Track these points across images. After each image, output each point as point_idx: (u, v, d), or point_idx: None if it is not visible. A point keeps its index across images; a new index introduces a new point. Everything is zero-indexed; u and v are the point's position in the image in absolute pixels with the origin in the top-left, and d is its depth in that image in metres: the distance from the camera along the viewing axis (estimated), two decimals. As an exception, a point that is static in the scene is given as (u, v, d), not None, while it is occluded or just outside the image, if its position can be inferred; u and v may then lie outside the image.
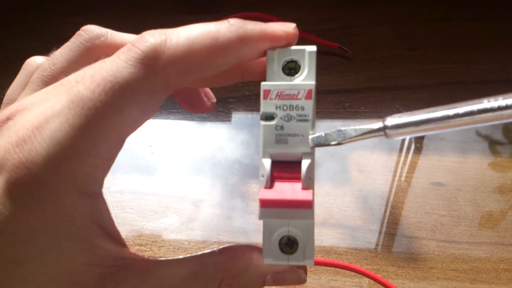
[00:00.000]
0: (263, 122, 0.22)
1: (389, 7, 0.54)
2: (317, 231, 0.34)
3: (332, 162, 0.39)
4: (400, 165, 0.39)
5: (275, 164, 0.22)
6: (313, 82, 0.22)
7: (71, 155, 0.19)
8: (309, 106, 0.22)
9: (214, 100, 0.29)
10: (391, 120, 0.21)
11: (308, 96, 0.22)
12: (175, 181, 0.38)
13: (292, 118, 0.22)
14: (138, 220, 0.36)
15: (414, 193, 0.37)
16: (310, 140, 0.22)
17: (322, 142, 0.23)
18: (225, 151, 0.41)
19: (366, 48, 0.49)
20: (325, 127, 0.42)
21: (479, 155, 0.39)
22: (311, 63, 0.23)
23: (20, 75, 0.26)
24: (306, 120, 0.22)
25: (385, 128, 0.21)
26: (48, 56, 0.25)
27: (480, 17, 0.52)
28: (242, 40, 0.21)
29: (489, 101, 0.18)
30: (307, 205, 0.21)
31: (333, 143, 0.22)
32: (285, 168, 0.22)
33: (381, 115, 0.42)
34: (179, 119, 0.44)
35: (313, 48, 0.23)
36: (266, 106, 0.22)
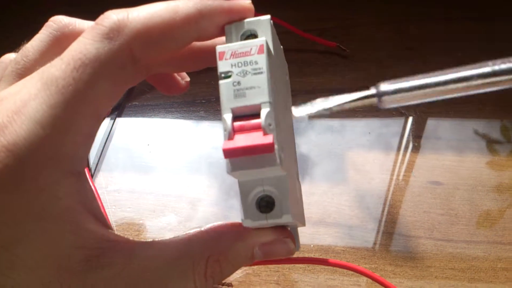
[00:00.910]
0: (220, 81, 0.23)
1: (387, 6, 0.54)
2: (314, 230, 0.34)
3: (329, 161, 0.39)
4: (398, 164, 0.39)
5: (237, 119, 0.23)
6: (264, 38, 0.23)
7: (52, 133, 0.19)
8: (262, 59, 0.23)
9: (188, 79, 0.29)
10: (386, 86, 0.20)
11: (260, 51, 0.23)
12: (173, 180, 0.38)
13: (248, 73, 0.23)
14: (136, 219, 0.35)
15: (412, 192, 0.37)
16: (301, 114, 0.23)
17: (313, 112, 0.23)
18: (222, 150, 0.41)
19: (364, 47, 0.49)
20: (322, 126, 0.42)
21: (477, 154, 0.39)
22: (267, 31, 0.24)
23: None
24: (261, 73, 0.23)
25: (380, 94, 0.20)
26: (19, 50, 0.25)
27: (479, 17, 0.52)
28: (201, 13, 0.22)
29: (489, 65, 0.18)
30: (269, 149, 0.22)
31: (324, 110, 0.23)
32: (247, 121, 0.23)
33: (379, 114, 0.43)
34: (177, 118, 0.44)
35: (267, 17, 0.24)
36: (222, 66, 0.23)
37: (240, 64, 0.23)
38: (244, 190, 0.24)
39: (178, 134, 0.42)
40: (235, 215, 0.36)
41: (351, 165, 0.39)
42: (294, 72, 0.47)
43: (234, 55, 0.23)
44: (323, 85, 0.45)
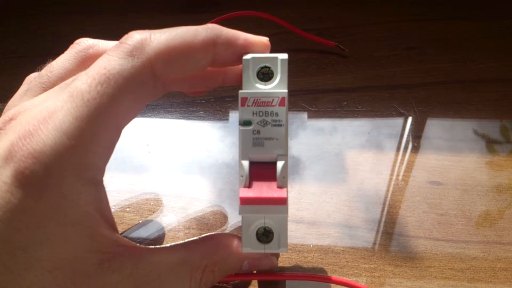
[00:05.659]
0: (241, 127, 0.24)
1: (387, 6, 0.54)
2: (314, 230, 0.34)
3: (328, 160, 0.39)
4: (397, 164, 0.39)
5: (252, 164, 0.24)
6: (286, 90, 0.24)
7: (76, 144, 0.20)
8: (282, 112, 0.23)
9: None
10: None
11: (281, 103, 0.23)
12: (172, 180, 0.38)
13: (268, 123, 0.23)
14: (136, 219, 0.35)
15: (411, 192, 0.37)
16: None
17: None
18: (222, 150, 0.41)
19: (363, 47, 0.49)
20: (323, 126, 0.42)
21: (476, 154, 0.39)
22: (283, 70, 0.24)
23: (21, 89, 0.27)
24: (280, 125, 0.23)
25: None
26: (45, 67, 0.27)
27: (479, 17, 0.52)
28: (219, 40, 0.23)
29: None
30: (282, 202, 0.23)
31: None
32: (262, 169, 0.24)
33: (379, 114, 0.43)
34: (177, 118, 0.44)
35: (285, 56, 0.25)
36: (243, 112, 0.24)
37: (261, 113, 0.23)
38: (246, 222, 0.25)
39: (177, 134, 0.42)
40: (233, 216, 0.36)
41: (350, 165, 0.39)
42: (293, 72, 0.47)
43: (256, 103, 0.23)
44: (322, 85, 0.45)
